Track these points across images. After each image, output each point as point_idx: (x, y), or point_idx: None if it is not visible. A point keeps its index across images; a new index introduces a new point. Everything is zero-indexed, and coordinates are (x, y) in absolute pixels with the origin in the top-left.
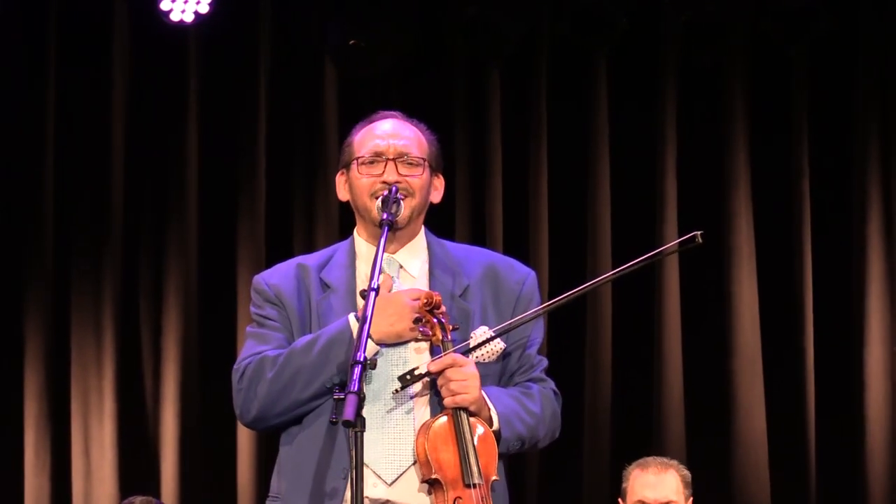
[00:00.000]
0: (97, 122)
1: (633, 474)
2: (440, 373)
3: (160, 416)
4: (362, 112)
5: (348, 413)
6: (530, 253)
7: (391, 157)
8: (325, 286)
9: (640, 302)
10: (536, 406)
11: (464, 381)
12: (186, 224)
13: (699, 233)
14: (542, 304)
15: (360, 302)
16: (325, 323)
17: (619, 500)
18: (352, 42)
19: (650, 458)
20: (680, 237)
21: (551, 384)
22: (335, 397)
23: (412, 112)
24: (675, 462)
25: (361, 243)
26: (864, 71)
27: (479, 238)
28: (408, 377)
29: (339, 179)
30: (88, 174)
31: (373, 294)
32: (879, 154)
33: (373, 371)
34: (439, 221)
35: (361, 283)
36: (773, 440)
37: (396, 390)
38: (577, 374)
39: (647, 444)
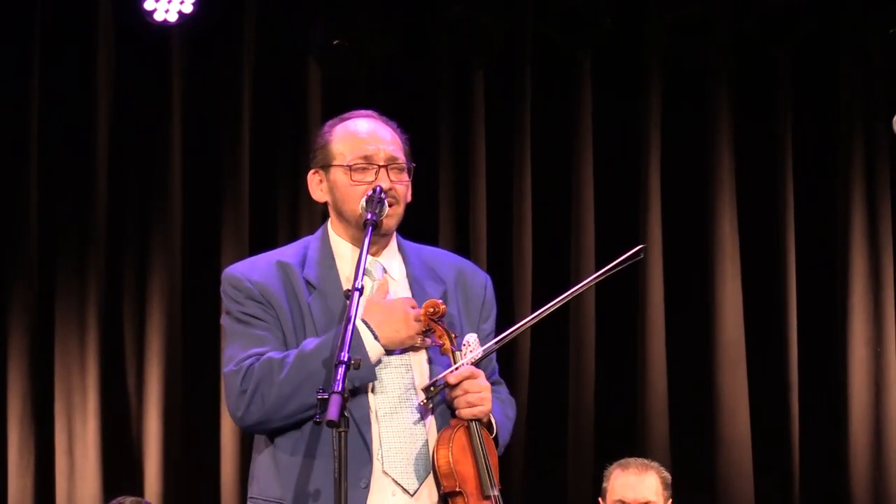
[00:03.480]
0: (81, 121)
1: (614, 474)
2: (457, 384)
3: (144, 416)
4: (347, 112)
5: (332, 413)
6: (514, 252)
7: (382, 163)
8: (310, 286)
9: (624, 302)
10: (510, 410)
11: (480, 393)
12: (170, 223)
13: (642, 246)
14: (496, 307)
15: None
16: (314, 325)
17: (599, 499)
18: (336, 42)
19: (631, 459)
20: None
21: (506, 386)
22: (319, 397)
23: (397, 111)
24: (655, 464)
25: (341, 243)
26: (848, 70)
27: (462, 238)
28: (431, 388)
29: (313, 178)
30: (72, 173)
31: (356, 294)
32: (863, 154)
33: (383, 381)
34: (423, 223)
35: (346, 285)
36: (756, 440)
37: (423, 402)
38: (560, 375)
39: (630, 445)
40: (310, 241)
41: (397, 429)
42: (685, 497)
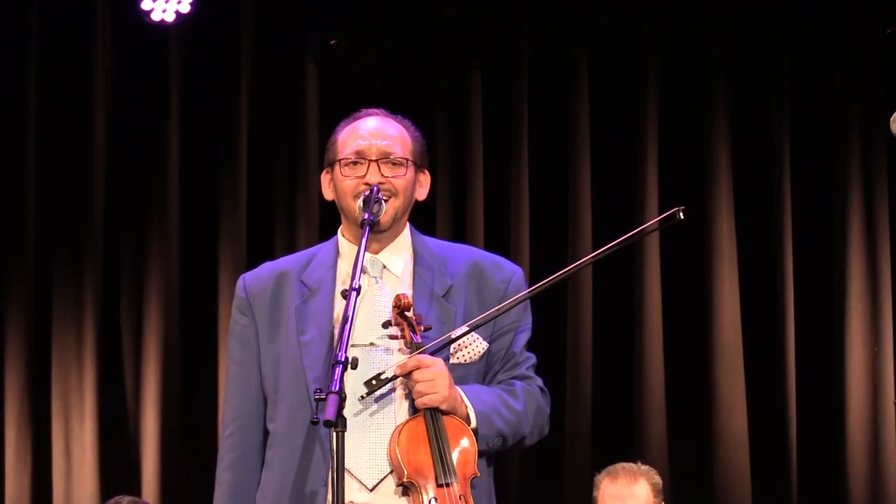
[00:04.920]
0: (78, 122)
1: (603, 484)
2: (409, 375)
3: (141, 416)
4: (343, 112)
5: (329, 413)
6: (511, 253)
7: (374, 157)
8: (305, 289)
9: (621, 302)
10: (519, 403)
11: (431, 380)
12: (168, 224)
13: (681, 208)
14: (530, 302)
15: (339, 301)
16: (304, 327)
17: None
18: (333, 42)
19: (620, 467)
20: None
21: (538, 381)
22: (316, 397)
23: (393, 111)
24: (645, 468)
25: (344, 243)
26: (844, 71)
27: (460, 239)
28: (373, 382)
29: (325, 178)
30: (70, 174)
31: (354, 294)
32: (860, 154)
33: (354, 378)
34: (421, 222)
35: (342, 283)
36: (754, 440)
37: (363, 396)
38: (558, 375)
39: (628, 445)
40: (323, 245)
41: (360, 425)
42: (682, 498)
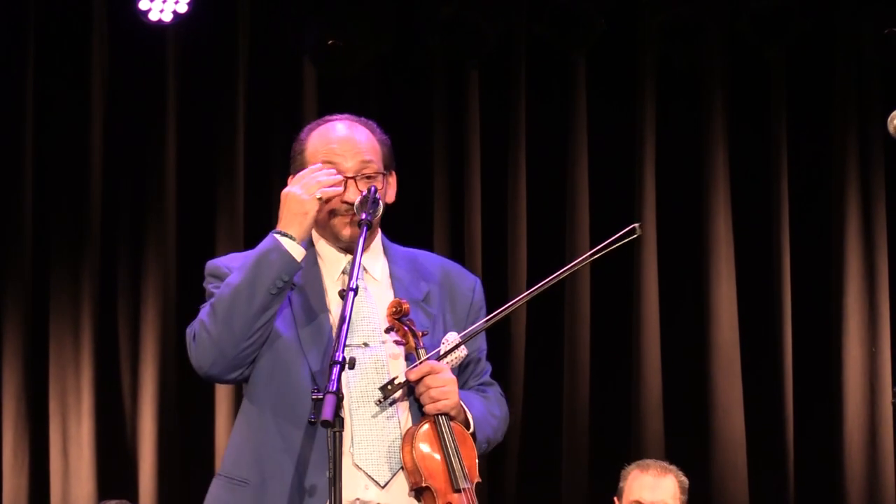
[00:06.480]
0: (76, 122)
1: (633, 475)
2: (419, 380)
3: (138, 416)
4: (341, 112)
5: (326, 413)
6: (509, 253)
7: (350, 175)
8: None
9: (619, 301)
10: (497, 409)
11: (443, 387)
12: (165, 224)
13: (636, 225)
14: (485, 308)
15: (327, 301)
16: (293, 315)
17: (615, 499)
18: (330, 42)
19: (650, 461)
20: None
21: (499, 388)
22: (313, 397)
23: (391, 111)
24: (673, 467)
25: (321, 244)
26: (842, 71)
27: (457, 239)
28: (388, 387)
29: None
30: (67, 174)
31: (351, 294)
32: (857, 154)
33: (355, 376)
34: (418, 222)
35: (327, 284)
36: (751, 440)
37: (379, 401)
38: (555, 375)
39: (625, 445)
40: None
41: (369, 423)
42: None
